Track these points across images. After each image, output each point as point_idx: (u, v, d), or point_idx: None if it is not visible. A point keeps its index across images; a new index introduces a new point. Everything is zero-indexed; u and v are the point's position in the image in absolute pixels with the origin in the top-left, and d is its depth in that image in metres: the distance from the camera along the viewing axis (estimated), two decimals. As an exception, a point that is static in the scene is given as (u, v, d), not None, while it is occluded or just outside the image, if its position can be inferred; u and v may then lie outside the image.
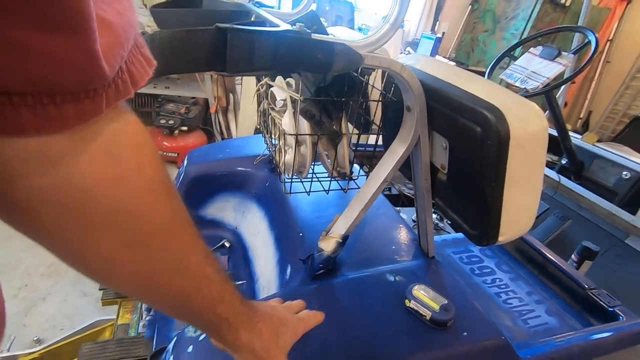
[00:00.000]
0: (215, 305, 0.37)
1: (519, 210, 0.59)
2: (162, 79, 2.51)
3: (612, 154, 1.58)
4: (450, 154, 0.65)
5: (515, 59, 1.49)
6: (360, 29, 2.93)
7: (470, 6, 3.38)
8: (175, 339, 0.63)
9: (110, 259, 0.29)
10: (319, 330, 0.62)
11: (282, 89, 0.71)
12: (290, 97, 0.68)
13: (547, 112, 1.47)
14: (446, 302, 0.65)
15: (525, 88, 1.34)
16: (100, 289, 1.07)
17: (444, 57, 3.33)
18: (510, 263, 1.08)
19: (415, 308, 0.65)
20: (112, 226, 0.27)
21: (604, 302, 0.90)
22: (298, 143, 0.72)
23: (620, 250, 1.49)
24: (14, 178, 0.22)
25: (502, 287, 0.99)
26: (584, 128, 3.80)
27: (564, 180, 1.66)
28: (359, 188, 0.73)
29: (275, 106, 0.75)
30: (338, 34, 0.91)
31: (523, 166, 0.55)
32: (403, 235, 0.89)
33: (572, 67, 1.41)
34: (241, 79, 2.31)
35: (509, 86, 1.31)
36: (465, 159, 0.62)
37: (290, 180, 0.75)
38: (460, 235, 1.19)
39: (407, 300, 0.66)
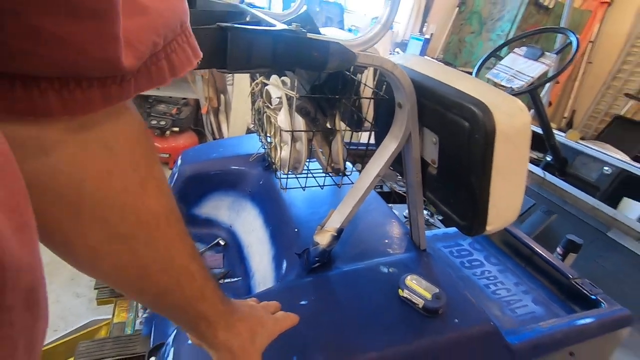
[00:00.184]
0: (196, 302, 0.37)
1: (506, 200, 0.62)
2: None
3: (594, 151, 1.65)
4: (440, 149, 0.68)
5: (501, 59, 1.54)
6: (350, 30, 2.97)
7: (457, 8, 3.44)
8: (175, 332, 0.65)
9: (95, 249, 0.29)
10: (316, 319, 0.64)
11: (277, 87, 0.73)
12: (286, 94, 0.70)
13: (532, 110, 1.52)
14: (437, 290, 0.68)
15: (511, 87, 1.39)
16: (95, 288, 1.06)
17: (432, 58, 3.39)
18: (498, 256, 1.12)
19: (409, 297, 0.68)
20: (100, 218, 0.27)
21: (586, 291, 0.94)
22: (294, 139, 0.74)
23: (602, 243, 1.55)
24: None
25: (491, 278, 1.03)
26: (568, 127, 3.89)
27: (549, 177, 1.71)
28: (352, 183, 0.76)
29: (271, 104, 0.77)
30: (330, 34, 0.94)
31: (508, 158, 0.58)
32: (395, 229, 0.92)
33: (555, 66, 1.46)
34: (232, 80, 2.31)
35: (495, 85, 1.35)
36: (454, 153, 0.65)
37: (286, 176, 0.77)
38: (450, 230, 1.23)
39: (400, 290, 0.69)
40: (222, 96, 2.51)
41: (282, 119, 0.72)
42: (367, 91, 0.75)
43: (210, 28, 0.43)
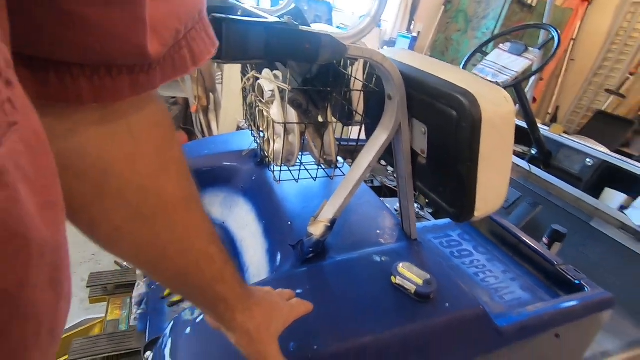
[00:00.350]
0: (215, 284, 0.38)
1: (492, 187, 0.64)
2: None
3: (576, 143, 1.70)
4: (429, 139, 0.70)
5: (487, 55, 1.58)
6: (339, 28, 2.99)
7: (443, 7, 3.50)
8: (172, 322, 0.65)
9: (117, 227, 0.30)
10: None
11: (270, 81, 0.74)
12: (279, 87, 0.71)
13: (517, 105, 1.56)
14: (429, 276, 0.70)
15: (496, 82, 1.43)
16: (87, 287, 1.06)
17: (419, 55, 3.42)
18: (486, 245, 1.15)
19: (401, 283, 0.70)
20: (123, 199, 0.29)
21: (570, 276, 0.98)
22: (287, 132, 0.75)
23: (586, 232, 1.60)
24: None
25: (480, 267, 1.06)
26: (553, 122, 3.99)
27: (534, 169, 1.76)
28: (344, 175, 0.77)
29: (263, 98, 0.78)
30: (320, 29, 0.95)
31: (494, 146, 0.60)
32: (387, 220, 0.94)
33: (538, 61, 1.50)
34: (221, 79, 2.31)
35: (481, 80, 1.38)
36: (443, 143, 0.67)
37: (279, 168, 0.79)
38: (440, 222, 1.26)
39: (393, 277, 0.71)
40: (211, 95, 2.50)
41: (274, 112, 0.73)
42: (357, 84, 0.77)
43: (205, 19, 0.44)
